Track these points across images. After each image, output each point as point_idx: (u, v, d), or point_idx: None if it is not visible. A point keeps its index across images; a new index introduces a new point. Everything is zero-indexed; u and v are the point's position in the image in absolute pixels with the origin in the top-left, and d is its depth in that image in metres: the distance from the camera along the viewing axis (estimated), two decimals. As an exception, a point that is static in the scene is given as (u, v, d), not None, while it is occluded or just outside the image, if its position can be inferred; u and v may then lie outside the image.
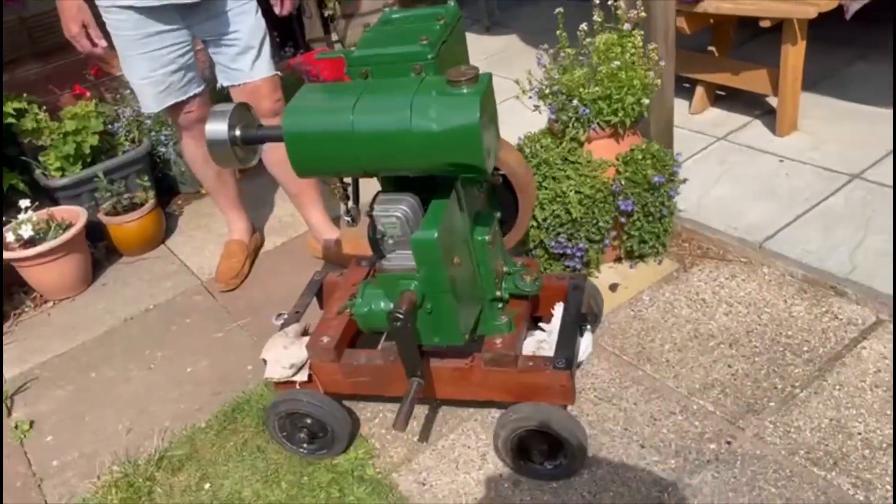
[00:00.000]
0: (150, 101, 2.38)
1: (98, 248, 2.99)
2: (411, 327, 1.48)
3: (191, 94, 2.40)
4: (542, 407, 1.70)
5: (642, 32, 2.16)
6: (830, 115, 2.93)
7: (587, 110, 2.12)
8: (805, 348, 2.00)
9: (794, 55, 2.69)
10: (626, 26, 2.15)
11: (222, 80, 2.42)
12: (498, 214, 1.72)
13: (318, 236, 2.68)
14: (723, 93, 3.18)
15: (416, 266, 1.51)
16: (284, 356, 1.87)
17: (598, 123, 2.17)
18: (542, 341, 1.85)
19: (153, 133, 3.18)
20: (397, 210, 1.46)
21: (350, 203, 1.64)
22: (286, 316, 2.04)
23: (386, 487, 1.84)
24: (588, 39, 2.17)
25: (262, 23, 2.36)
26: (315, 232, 2.68)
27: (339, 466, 1.91)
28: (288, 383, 1.89)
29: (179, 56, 2.31)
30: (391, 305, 1.66)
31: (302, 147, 1.41)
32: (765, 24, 2.65)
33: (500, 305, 1.77)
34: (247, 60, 2.34)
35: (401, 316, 1.45)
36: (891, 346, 1.96)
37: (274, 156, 2.53)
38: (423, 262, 1.48)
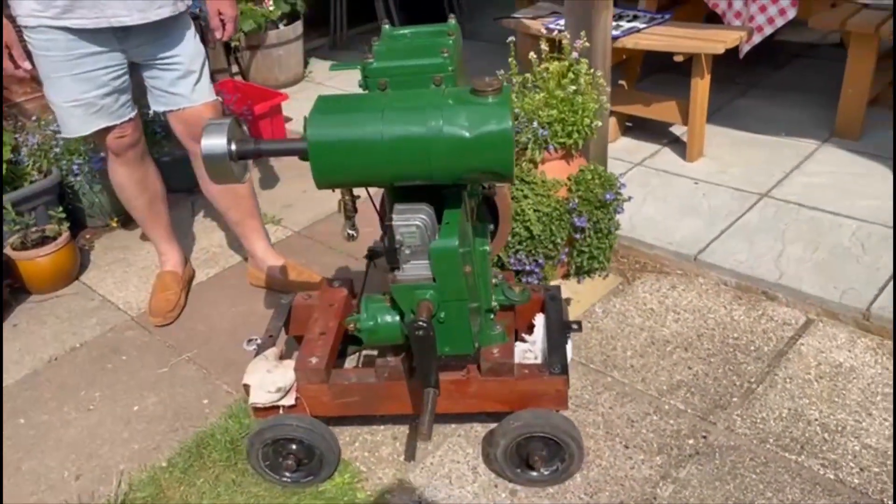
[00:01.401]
0: (78, 124, 2.24)
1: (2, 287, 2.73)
2: (434, 335, 1.48)
3: (125, 118, 2.29)
4: (541, 412, 1.74)
5: (586, 60, 2.31)
6: (729, 142, 3.23)
7: (545, 132, 2.23)
8: (752, 348, 2.18)
9: (701, 88, 2.96)
10: (574, 55, 2.29)
11: (157, 106, 2.32)
12: (491, 226, 1.77)
13: (261, 265, 2.60)
14: (630, 123, 3.42)
15: (431, 276, 1.53)
16: (269, 380, 1.80)
17: (553, 145, 2.28)
18: (526, 351, 1.89)
19: (64, 162, 2.97)
20: (416, 219, 1.47)
21: (355, 218, 1.62)
22: (259, 340, 1.96)
23: (381, 509, 1.80)
24: (542, 66, 2.29)
25: (201, 47, 2.30)
26: (258, 261, 2.60)
27: (327, 493, 1.85)
28: (271, 409, 1.82)
29: (114, 79, 2.20)
30: (397, 318, 1.66)
31: (327, 157, 1.39)
32: (678, 58, 2.91)
33: (492, 316, 1.80)
34: (187, 85, 2.27)
35: (424, 324, 1.46)
36: (825, 341, 2.17)
37: (216, 185, 2.44)
38: (441, 271, 1.49)
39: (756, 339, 2.21)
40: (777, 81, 3.81)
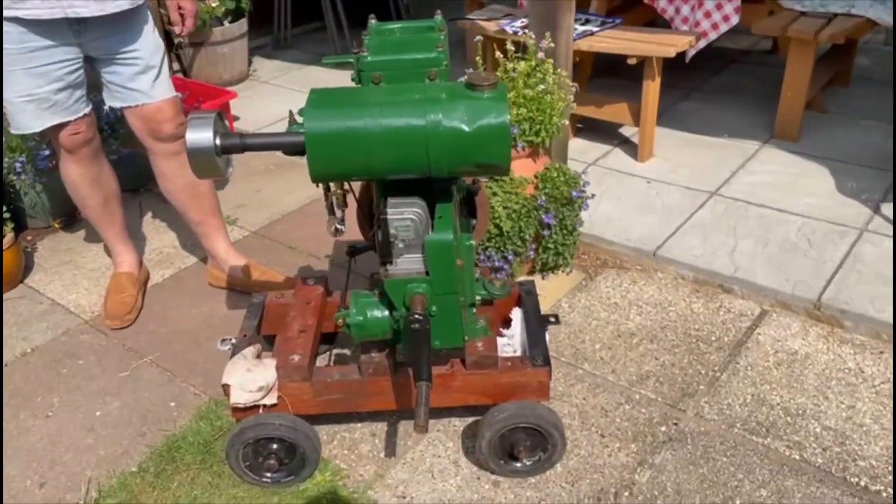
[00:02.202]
0: (29, 119, 2.15)
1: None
2: (429, 328, 1.49)
3: (80, 114, 2.21)
4: (526, 403, 1.77)
5: (552, 60, 2.36)
6: (676, 143, 3.35)
7: (515, 130, 2.27)
8: (713, 338, 2.27)
9: (652, 90, 3.07)
10: (541, 55, 2.34)
11: (114, 102, 2.25)
12: (474, 221, 1.79)
13: (223, 265, 2.55)
14: (581, 125, 3.50)
15: (423, 269, 1.54)
16: (249, 379, 1.77)
17: (521, 143, 2.32)
18: (505, 344, 1.92)
19: (6, 160, 2.83)
20: (411, 213, 1.48)
21: (340, 213, 1.62)
22: (234, 340, 1.93)
23: (365, 506, 1.79)
24: (510, 65, 2.33)
25: (160, 41, 2.25)
26: (219, 261, 2.55)
27: (308, 492, 1.84)
28: (251, 408, 1.79)
29: (69, 73, 2.12)
30: (386, 313, 1.66)
31: (324, 149, 1.38)
32: (631, 61, 3.00)
33: (474, 310, 1.82)
34: (146, 80, 2.20)
35: (420, 317, 1.47)
36: (780, 330, 2.28)
37: (177, 183, 2.39)
38: (436, 264, 1.50)
39: (716, 329, 2.30)
40: (716, 85, 3.98)
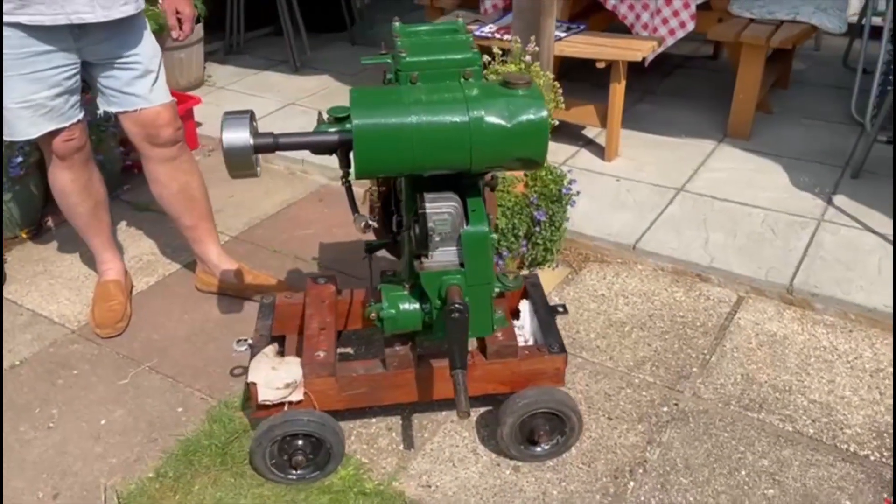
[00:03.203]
0: (25, 126, 2.10)
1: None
2: (468, 317, 1.55)
3: (74, 120, 2.18)
4: (545, 389, 1.85)
5: (538, 63, 2.46)
6: (639, 143, 3.51)
7: (508, 130, 2.35)
8: (698, 323, 2.41)
9: (618, 92, 3.21)
10: (528, 58, 2.43)
11: (110, 107, 2.22)
12: (491, 216, 1.86)
13: (215, 269, 2.53)
14: (545, 127, 3.61)
15: (458, 261, 1.60)
16: (275, 377, 1.79)
17: (513, 142, 2.40)
18: (516, 335, 2.00)
19: (-26, 168, 2.73)
20: (448, 207, 1.54)
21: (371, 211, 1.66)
22: (250, 341, 1.94)
23: (392, 496, 1.83)
24: (500, 69, 2.41)
25: (157, 45, 2.24)
26: (210, 265, 2.53)
27: (334, 486, 1.86)
28: (276, 406, 1.81)
29: (66, 79, 2.09)
30: (417, 305, 1.71)
31: (372, 145, 1.43)
32: (600, 65, 3.13)
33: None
34: (145, 85, 2.19)
35: (460, 306, 1.53)
36: (757, 314, 2.44)
37: (171, 188, 2.37)
38: (473, 255, 1.57)
39: (700, 315, 2.44)
40: (668, 88, 4.18)
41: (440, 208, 1.53)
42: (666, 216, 2.92)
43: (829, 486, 1.83)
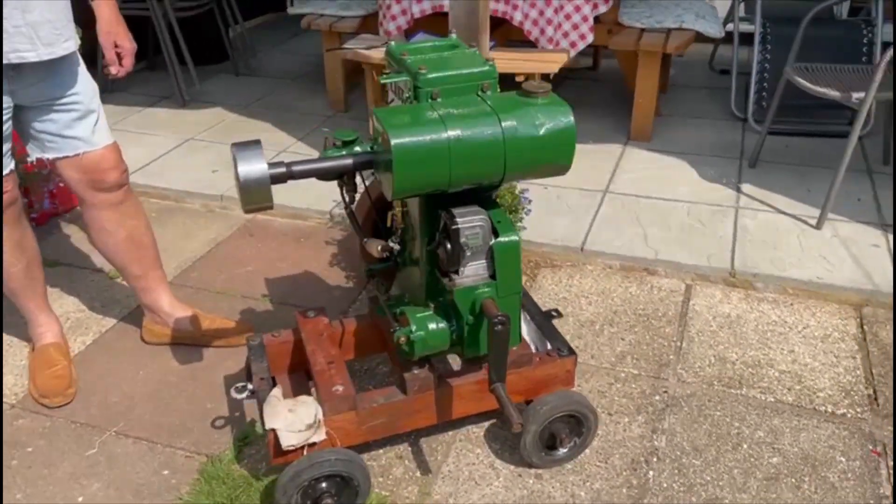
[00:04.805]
0: None
1: None
2: (510, 328, 1.55)
3: (7, 170, 1.97)
4: (562, 393, 1.88)
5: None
6: (553, 152, 3.64)
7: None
8: (660, 314, 2.53)
9: (535, 104, 3.32)
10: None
11: (46, 153, 2.03)
12: (491, 228, 1.86)
13: (167, 318, 2.35)
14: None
15: (487, 274, 1.59)
16: (295, 420, 1.69)
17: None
18: (516, 345, 2.02)
19: None
20: (479, 220, 1.53)
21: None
22: (251, 386, 1.82)
23: (425, 524, 1.79)
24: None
25: (95, 83, 2.07)
26: (162, 314, 2.35)
27: (362, 524, 1.79)
28: (295, 451, 1.71)
29: None
30: (444, 324, 1.68)
31: (411, 164, 1.40)
32: (519, 78, 3.22)
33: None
34: (86, 126, 2.02)
35: (503, 318, 1.52)
36: (708, 299, 2.60)
37: (118, 236, 2.19)
38: (504, 266, 1.57)
39: (658, 306, 2.57)
40: (563, 98, 4.35)
41: (472, 222, 1.52)
42: (601, 217, 3.05)
43: (822, 446, 1.98)
